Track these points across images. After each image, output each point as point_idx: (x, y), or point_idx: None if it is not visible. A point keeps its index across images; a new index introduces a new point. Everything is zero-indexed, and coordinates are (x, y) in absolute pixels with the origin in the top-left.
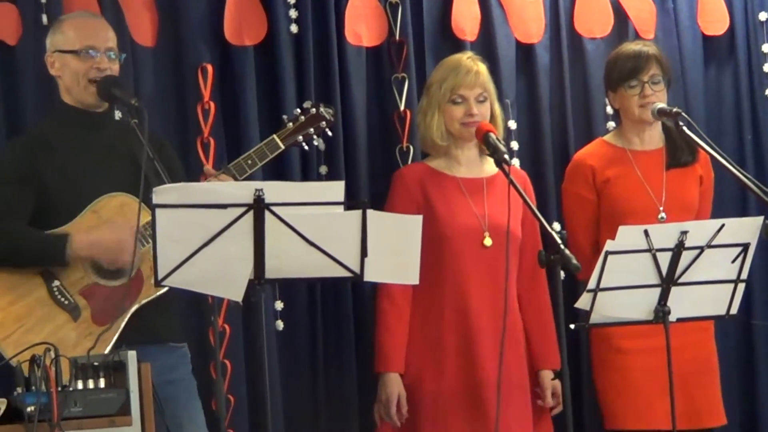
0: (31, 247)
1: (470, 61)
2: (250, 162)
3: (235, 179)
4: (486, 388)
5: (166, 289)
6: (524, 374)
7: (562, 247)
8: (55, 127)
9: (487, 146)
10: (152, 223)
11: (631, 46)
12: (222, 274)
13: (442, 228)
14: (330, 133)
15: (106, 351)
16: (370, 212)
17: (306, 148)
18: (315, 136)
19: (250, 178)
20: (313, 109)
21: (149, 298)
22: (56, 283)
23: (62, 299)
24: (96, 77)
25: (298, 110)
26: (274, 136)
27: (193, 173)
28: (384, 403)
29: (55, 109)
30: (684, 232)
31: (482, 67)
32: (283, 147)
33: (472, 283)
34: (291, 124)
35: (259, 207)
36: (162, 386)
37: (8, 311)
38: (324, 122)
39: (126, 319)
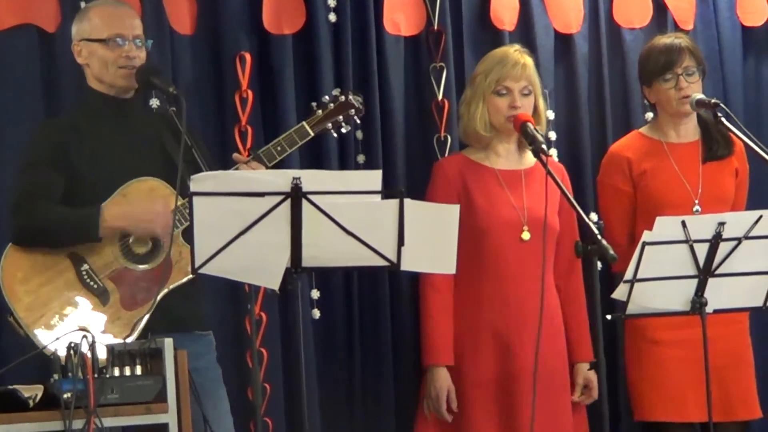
0: (64, 223)
1: (517, 54)
2: (279, 149)
3: (266, 166)
4: (523, 380)
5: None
6: (564, 366)
7: (599, 237)
8: (85, 114)
9: (525, 136)
10: (189, 211)
11: (663, 40)
12: (259, 263)
13: (481, 221)
14: (359, 121)
15: (132, 339)
16: (407, 201)
17: (335, 135)
18: (344, 124)
19: (283, 164)
20: (342, 97)
21: (177, 283)
22: (85, 266)
23: (91, 283)
24: (125, 65)
25: (327, 98)
26: (304, 123)
27: (231, 162)
28: (434, 399)
29: (83, 96)
30: (721, 224)
31: (529, 61)
32: (312, 134)
33: (510, 275)
34: (320, 111)
35: (296, 195)
36: None
37: (37, 294)
38: (353, 110)
39: (155, 305)
